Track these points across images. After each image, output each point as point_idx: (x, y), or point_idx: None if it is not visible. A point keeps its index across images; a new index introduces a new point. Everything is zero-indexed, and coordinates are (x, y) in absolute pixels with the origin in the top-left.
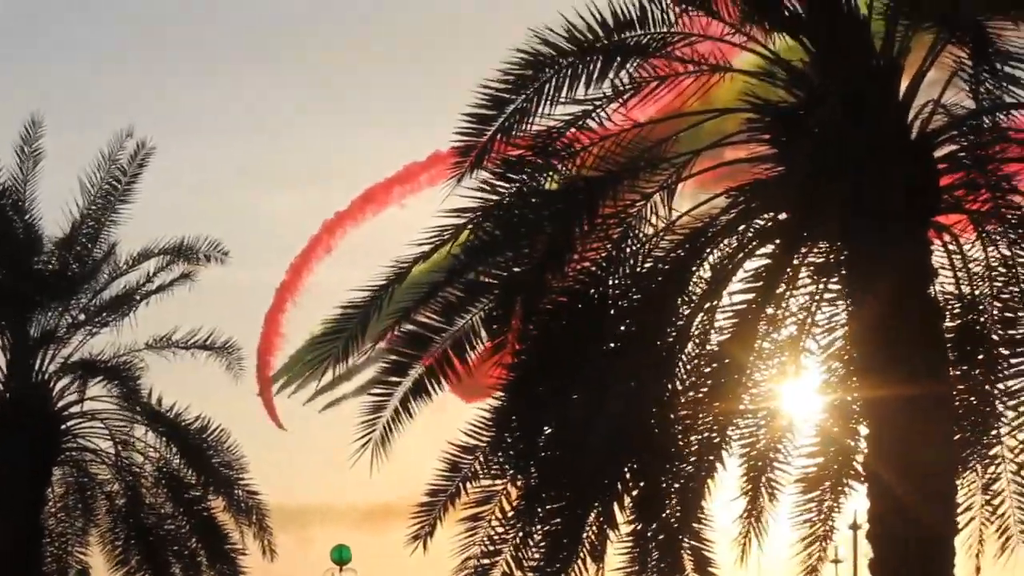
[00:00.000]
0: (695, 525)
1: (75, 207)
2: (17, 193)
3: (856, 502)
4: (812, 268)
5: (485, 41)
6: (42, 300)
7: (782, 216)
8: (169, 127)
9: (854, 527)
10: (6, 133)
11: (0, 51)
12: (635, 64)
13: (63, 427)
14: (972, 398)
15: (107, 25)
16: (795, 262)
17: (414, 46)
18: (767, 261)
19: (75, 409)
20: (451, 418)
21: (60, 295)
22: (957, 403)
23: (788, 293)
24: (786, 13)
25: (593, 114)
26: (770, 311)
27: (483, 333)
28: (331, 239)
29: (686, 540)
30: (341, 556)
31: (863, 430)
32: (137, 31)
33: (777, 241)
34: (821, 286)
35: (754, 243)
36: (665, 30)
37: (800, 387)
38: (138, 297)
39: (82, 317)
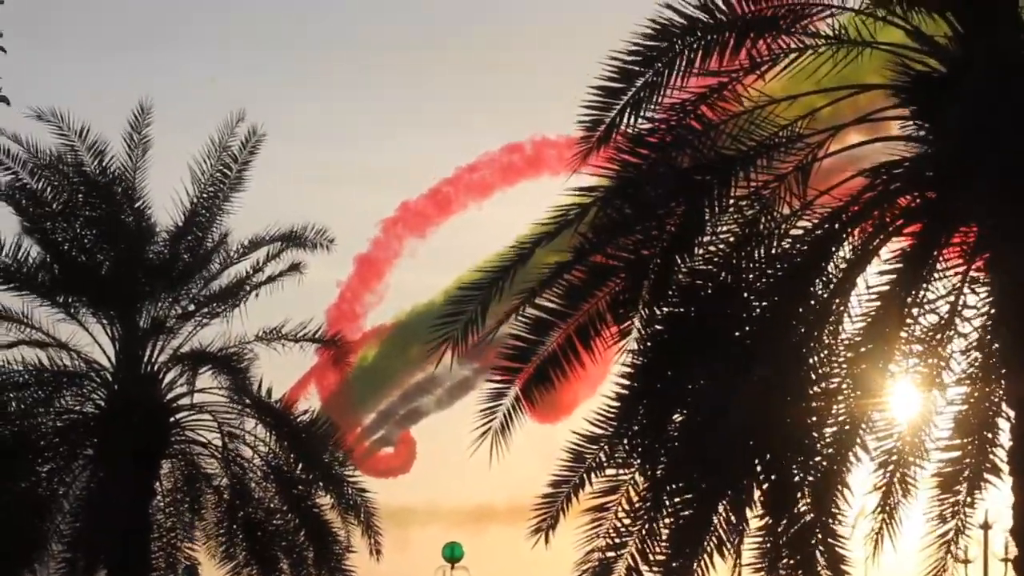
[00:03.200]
0: (828, 520)
1: (185, 196)
2: (127, 181)
3: (988, 501)
4: (961, 249)
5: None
6: (152, 290)
7: (926, 195)
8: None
9: (985, 526)
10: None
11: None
12: (771, 36)
13: (172, 419)
14: None
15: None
16: (941, 243)
17: (489, 54)
18: (911, 241)
19: (184, 401)
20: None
21: (170, 285)
22: None
23: (931, 276)
24: None
25: (727, 87)
26: (912, 296)
27: (609, 317)
28: (402, 230)
29: (819, 536)
30: (453, 553)
31: (1003, 423)
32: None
33: (924, 220)
34: (964, 269)
35: (897, 223)
36: (803, 1)
37: (939, 377)
38: (248, 287)
39: (192, 307)
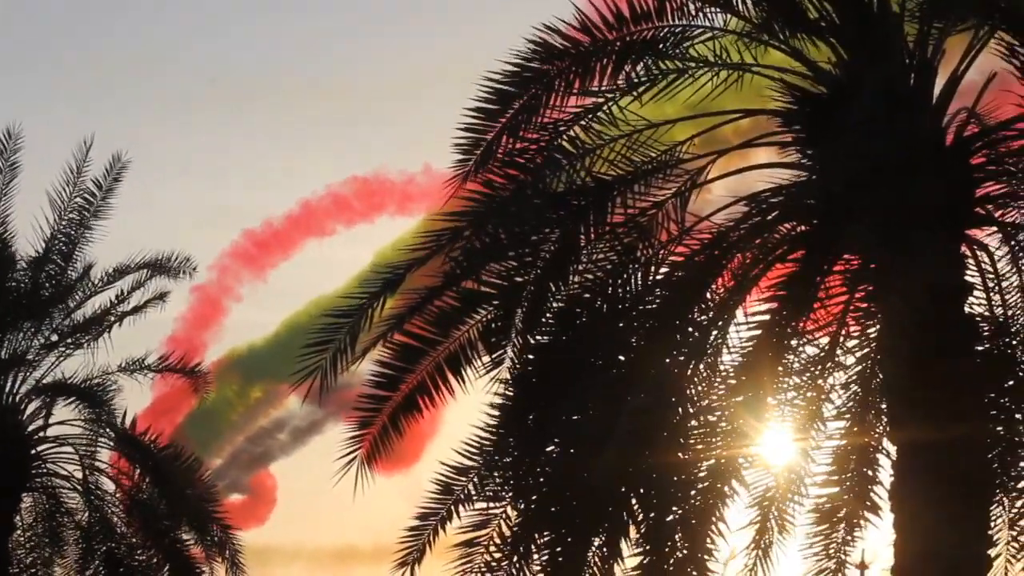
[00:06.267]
0: (702, 556)
1: (46, 224)
2: None
3: (865, 540)
4: (843, 278)
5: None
6: (14, 320)
7: (808, 222)
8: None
9: (861, 567)
10: None
11: None
12: (651, 59)
13: (33, 452)
14: (999, 428)
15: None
16: (822, 272)
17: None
18: (791, 270)
19: (45, 433)
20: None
21: (32, 315)
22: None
23: (812, 306)
24: (811, 15)
25: (604, 108)
26: (792, 327)
27: (480, 346)
28: (239, 266)
29: (692, 573)
30: None
31: (883, 460)
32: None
33: (805, 249)
34: (846, 299)
35: (777, 251)
36: (684, 23)
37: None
38: (112, 318)
39: (54, 338)
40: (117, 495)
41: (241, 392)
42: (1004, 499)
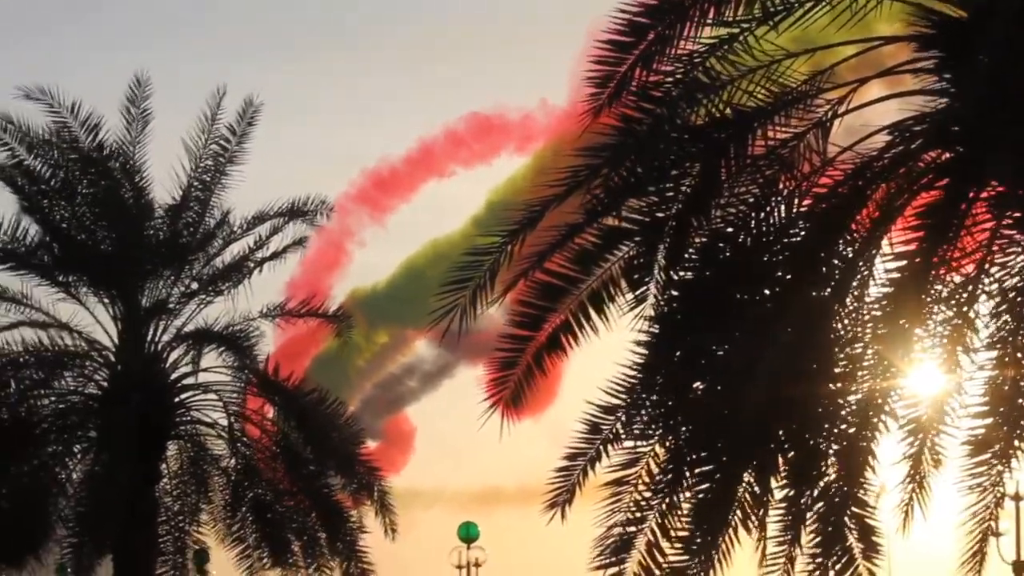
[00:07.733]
0: (856, 491)
1: (182, 172)
2: (125, 156)
3: (1019, 471)
4: (988, 204)
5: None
6: (153, 269)
7: (953, 150)
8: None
9: (1016, 498)
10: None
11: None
12: None
13: (177, 400)
14: None
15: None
16: (968, 199)
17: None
18: (937, 197)
19: (189, 381)
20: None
21: (172, 263)
22: None
23: (959, 234)
24: None
25: (741, 38)
26: (939, 255)
27: (623, 283)
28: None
29: (848, 507)
30: (469, 533)
31: None
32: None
33: (950, 177)
34: (992, 226)
35: (922, 180)
36: None
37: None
38: (251, 264)
39: (195, 286)
40: (263, 441)
41: (367, 337)
42: None
